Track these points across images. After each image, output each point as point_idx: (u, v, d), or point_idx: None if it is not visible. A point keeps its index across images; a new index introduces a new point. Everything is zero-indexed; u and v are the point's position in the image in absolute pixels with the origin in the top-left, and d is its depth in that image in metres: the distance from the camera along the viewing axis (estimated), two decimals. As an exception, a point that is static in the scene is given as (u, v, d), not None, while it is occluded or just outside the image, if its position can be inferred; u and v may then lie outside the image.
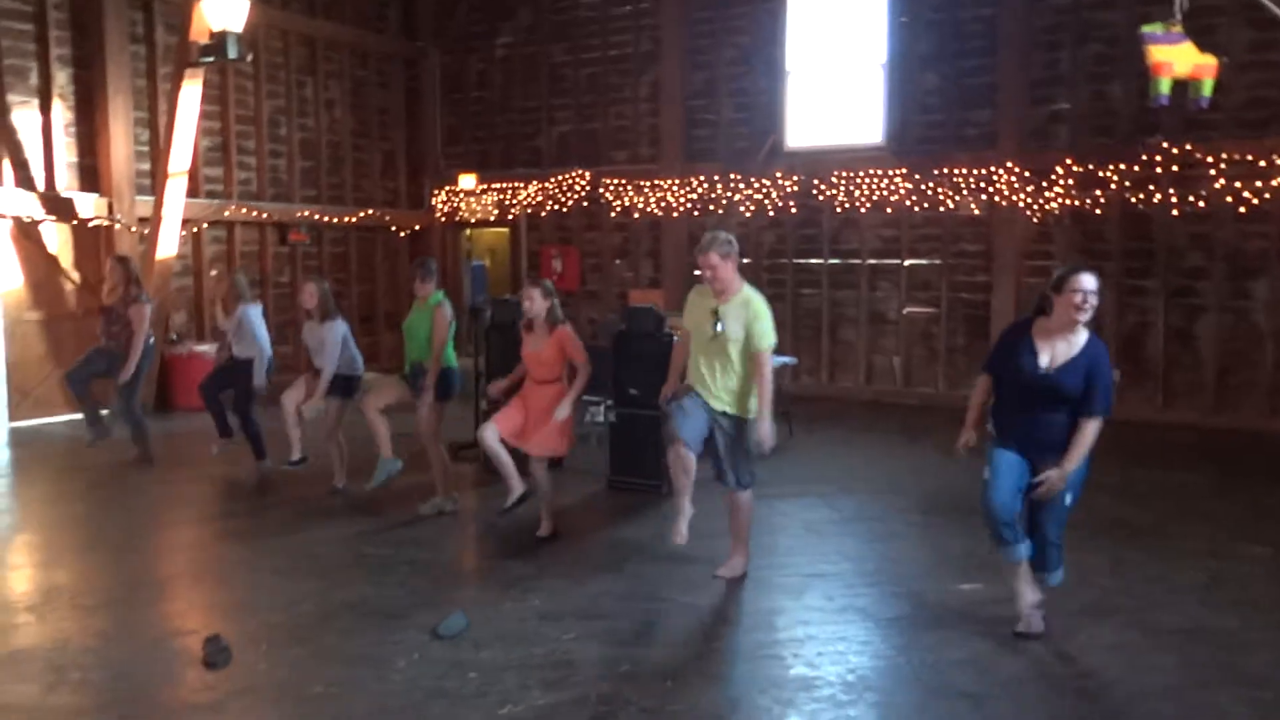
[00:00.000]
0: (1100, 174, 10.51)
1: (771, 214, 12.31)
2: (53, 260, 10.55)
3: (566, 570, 5.70)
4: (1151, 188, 10.28)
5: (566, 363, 6.22)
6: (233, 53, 9.85)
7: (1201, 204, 10.06)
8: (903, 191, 11.50)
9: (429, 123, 14.68)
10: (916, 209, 11.50)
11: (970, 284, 11.45)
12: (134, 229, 10.93)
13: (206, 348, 11.26)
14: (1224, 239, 10.08)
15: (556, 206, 13.68)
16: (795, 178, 12.08)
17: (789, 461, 8.27)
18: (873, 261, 11.95)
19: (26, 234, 10.28)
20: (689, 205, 12.77)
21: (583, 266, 13.74)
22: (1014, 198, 10.92)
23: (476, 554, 6.33)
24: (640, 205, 13.06)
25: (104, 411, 8.47)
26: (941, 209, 11.36)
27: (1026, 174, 10.85)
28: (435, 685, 4.18)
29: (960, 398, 11.36)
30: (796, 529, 6.58)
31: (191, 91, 10.49)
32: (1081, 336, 4.49)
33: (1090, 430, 4.47)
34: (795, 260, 12.34)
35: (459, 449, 8.39)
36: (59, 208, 10.39)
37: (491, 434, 6.09)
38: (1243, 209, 9.86)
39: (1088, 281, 4.39)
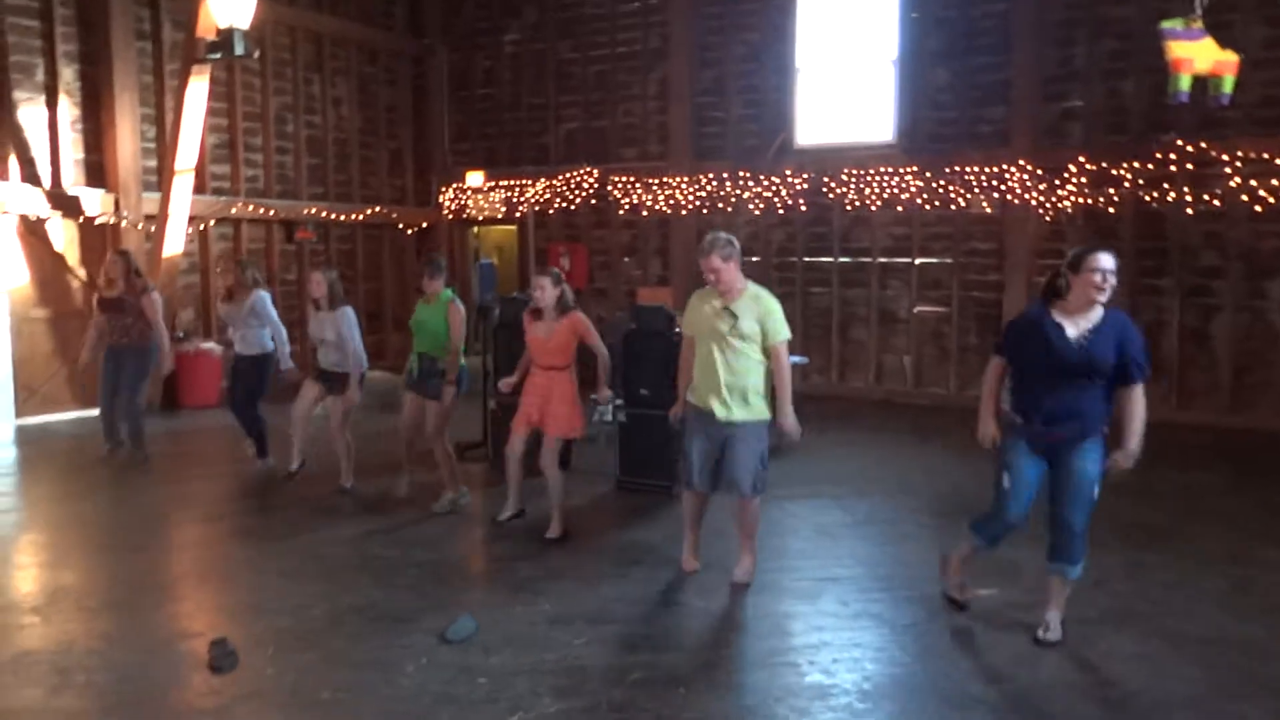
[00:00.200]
0: (1114, 172, 10.40)
1: (781, 212, 12.22)
2: (59, 257, 10.50)
3: (577, 573, 5.63)
4: (1166, 186, 10.18)
5: (575, 349, 6.17)
6: (239, 49, 9.81)
7: (1216, 203, 9.96)
8: (914, 189, 11.41)
9: (436, 120, 14.62)
10: (928, 207, 11.40)
11: (982, 283, 11.35)
12: (140, 226, 10.88)
13: (214, 345, 11.22)
14: (1239, 238, 9.98)
15: (564, 204, 13.60)
16: (805, 175, 11.99)
17: (800, 462, 8.19)
18: (883, 260, 11.85)
19: (32, 231, 10.23)
20: (698, 203, 12.69)
21: (591, 264, 13.66)
22: (1026, 196, 10.83)
23: (485, 556, 6.25)
24: (649, 203, 12.98)
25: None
26: (953, 207, 11.27)
27: (1039, 172, 10.75)
28: (444, 691, 4.11)
29: (972, 398, 11.28)
30: (808, 531, 6.50)
31: (198, 88, 10.43)
32: (1098, 310, 4.39)
33: (1140, 398, 4.41)
34: (805, 259, 12.25)
35: (466, 448, 8.33)
36: (65, 204, 10.34)
37: (517, 447, 6.12)
38: (1258, 208, 9.76)
39: (1106, 260, 4.30)
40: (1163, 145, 10.09)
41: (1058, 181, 10.69)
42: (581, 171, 13.40)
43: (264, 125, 12.53)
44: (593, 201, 13.45)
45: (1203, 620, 4.94)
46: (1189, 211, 10.10)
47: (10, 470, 8.45)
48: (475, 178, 14.02)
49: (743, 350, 5.17)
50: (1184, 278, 10.27)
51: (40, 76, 10.28)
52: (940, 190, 11.27)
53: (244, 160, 12.31)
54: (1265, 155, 9.67)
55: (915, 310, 11.71)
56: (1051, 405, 4.42)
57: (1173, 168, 10.09)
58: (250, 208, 12.23)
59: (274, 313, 8.01)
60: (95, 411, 8.79)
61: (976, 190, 11.09)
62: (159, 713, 3.96)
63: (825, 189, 11.90)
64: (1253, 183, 9.74)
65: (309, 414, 7.47)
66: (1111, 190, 10.44)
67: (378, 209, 13.89)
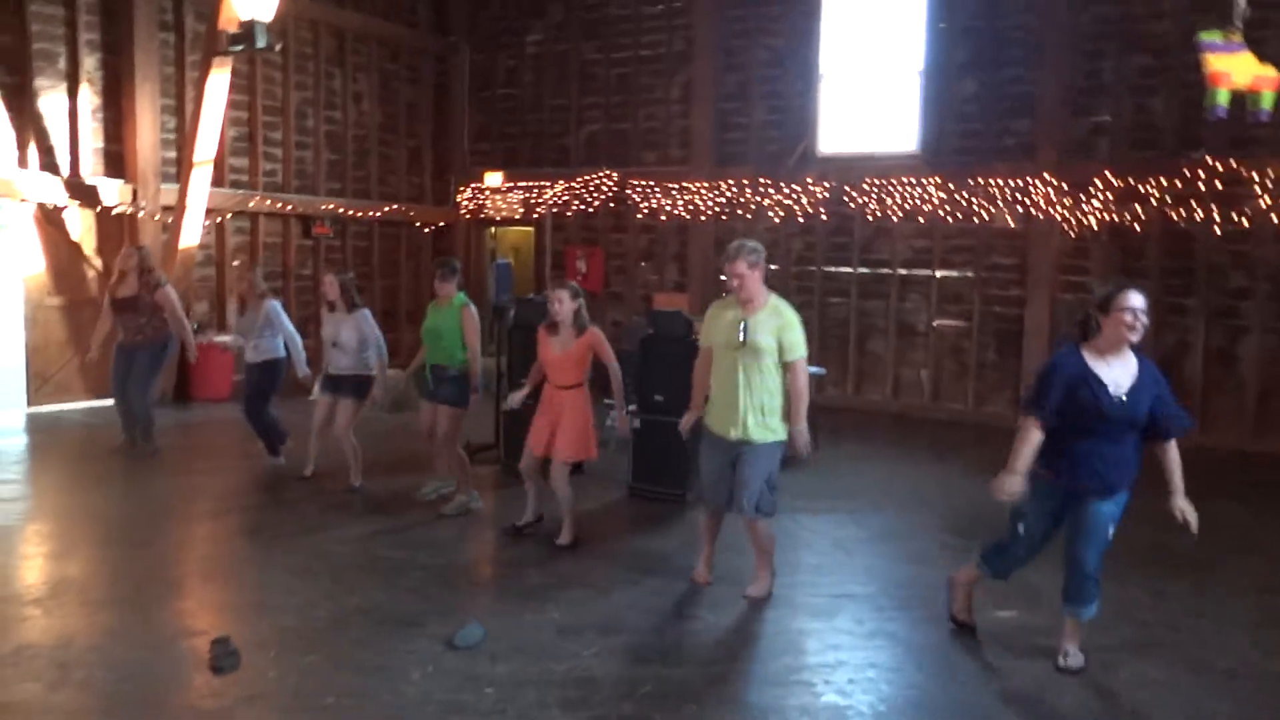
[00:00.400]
0: (1141, 189, 10.24)
1: (801, 220, 12.10)
2: (75, 246, 10.47)
3: (587, 580, 5.53)
4: (1194, 204, 10.01)
5: (590, 365, 6.06)
6: (261, 42, 9.79)
7: (1245, 222, 9.79)
8: (936, 201, 11.27)
9: (457, 118, 14.56)
10: (950, 219, 11.26)
11: (1003, 298, 11.20)
12: (157, 217, 10.84)
13: (228, 339, 11.15)
14: (1268, 258, 9.80)
15: (583, 206, 13.51)
16: (826, 184, 11.87)
17: (815, 475, 8.06)
18: (903, 272, 11.72)
19: (50, 219, 10.21)
20: (717, 209, 12.58)
21: (607, 268, 13.57)
22: (1051, 210, 10.68)
23: (494, 560, 6.16)
24: (668, 208, 12.88)
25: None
26: (976, 220, 11.12)
27: (1064, 186, 10.60)
28: (450, 699, 4.01)
29: (990, 414, 11.26)
30: (824, 546, 6.38)
31: (219, 80, 10.41)
32: (1132, 359, 4.30)
33: (1176, 451, 4.35)
34: (824, 268, 12.13)
35: (477, 450, 8.25)
36: (83, 194, 10.31)
37: (531, 461, 6.03)
38: (1289, 229, 9.60)
39: (1137, 300, 4.20)
40: (1192, 163, 9.93)
41: (1083, 197, 10.54)
42: (601, 174, 13.31)
43: (284, 119, 12.49)
44: (611, 205, 13.35)
45: (1229, 651, 4.80)
46: (1217, 231, 9.93)
47: (20, 459, 8.40)
48: (494, 178, 13.95)
49: (759, 365, 5.04)
50: (1211, 298, 10.10)
51: (62, 64, 10.25)
52: (963, 203, 11.13)
53: (263, 154, 12.27)
54: (1297, 175, 9.51)
55: (935, 324, 11.57)
56: (1085, 459, 4.29)
57: (1201, 186, 9.92)
58: (268, 202, 12.19)
59: (288, 321, 7.94)
60: (107, 402, 8.75)
61: (1000, 204, 10.95)
62: (158, 713, 3.88)
63: (847, 198, 11.78)
64: (1283, 203, 9.58)
65: (326, 426, 7.39)
66: (1138, 207, 10.28)
67: (395, 207, 13.84)
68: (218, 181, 11.33)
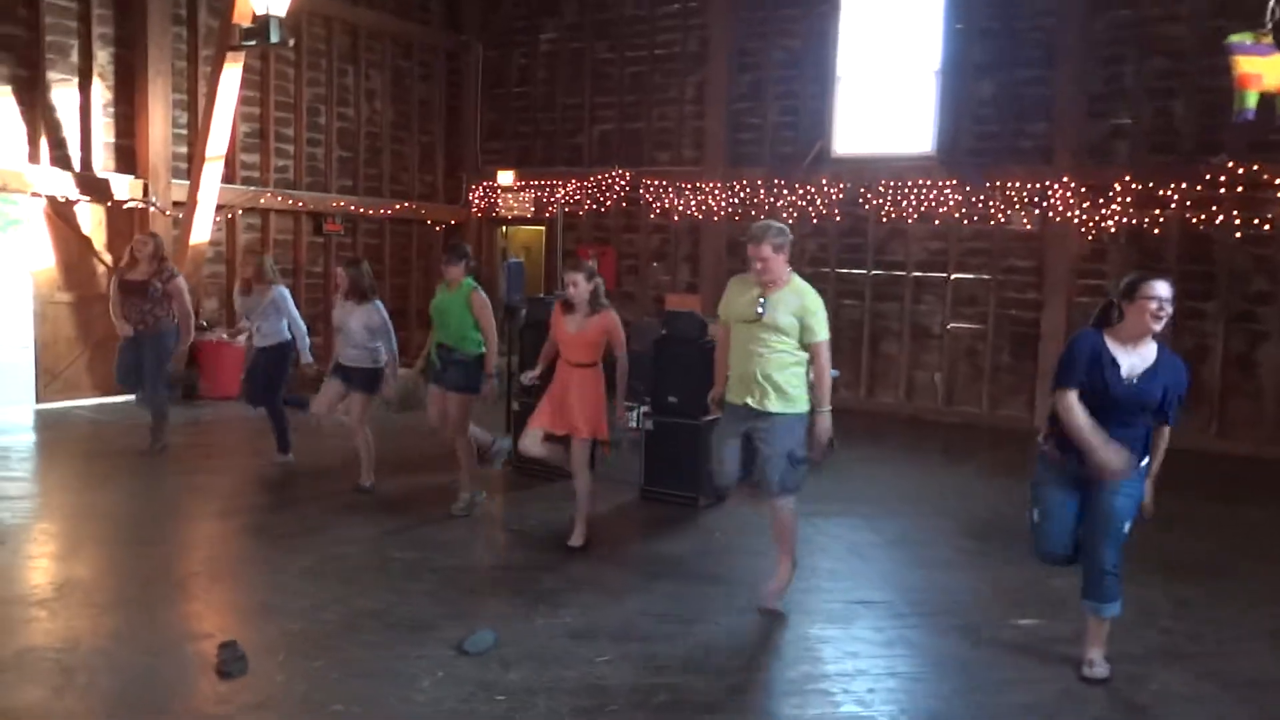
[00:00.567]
0: (1160, 193, 10.12)
1: (815, 221, 11.99)
2: (86, 241, 10.42)
3: (599, 584, 5.44)
4: (1214, 208, 9.88)
5: (604, 348, 5.96)
6: (274, 37, 9.74)
7: (1266, 226, 9.66)
8: (952, 203, 11.16)
9: (469, 116, 14.49)
10: (966, 222, 11.15)
11: (1020, 301, 11.08)
12: (168, 213, 10.79)
13: (240, 338, 11.11)
14: (1289, 263, 9.69)
15: (595, 206, 13.43)
16: (841, 185, 11.76)
17: (829, 478, 7.93)
18: (918, 274, 11.61)
19: (60, 214, 10.16)
20: (730, 209, 12.48)
21: (619, 268, 13.48)
22: (1068, 214, 10.56)
23: (505, 563, 6.07)
24: (680, 208, 12.79)
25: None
26: (992, 223, 11.01)
27: (1083, 190, 10.48)
28: (461, 707, 3.93)
29: (1005, 418, 11.14)
30: (840, 551, 6.28)
31: (232, 75, 10.36)
32: (1152, 347, 4.22)
33: (1166, 436, 4.28)
34: (838, 270, 12.02)
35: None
36: (94, 188, 10.26)
37: (533, 441, 5.89)
38: (1311, 233, 9.48)
39: (1162, 288, 4.11)
40: (1212, 166, 9.80)
41: (1101, 200, 10.42)
42: (614, 174, 13.22)
43: (296, 116, 12.44)
44: (624, 205, 13.27)
45: (1256, 662, 4.69)
46: (1238, 235, 9.80)
47: (28, 456, 8.35)
48: (506, 176, 13.88)
49: (777, 343, 4.94)
50: (1231, 302, 9.97)
51: (74, 58, 10.21)
52: (979, 205, 11.02)
53: (275, 150, 12.22)
54: (1319, 180, 9.38)
55: (949, 327, 11.46)
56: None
57: (1222, 190, 9.79)
58: (279, 198, 12.14)
59: (294, 308, 7.88)
60: (116, 399, 8.70)
61: (1017, 206, 10.84)
62: None
63: (861, 199, 11.67)
64: (1306, 207, 9.45)
65: (331, 410, 7.30)
66: (1157, 211, 10.15)
67: (407, 204, 13.78)
68: (229, 178, 11.27)
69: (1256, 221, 9.69)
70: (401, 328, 13.08)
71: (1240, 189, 9.72)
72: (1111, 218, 10.38)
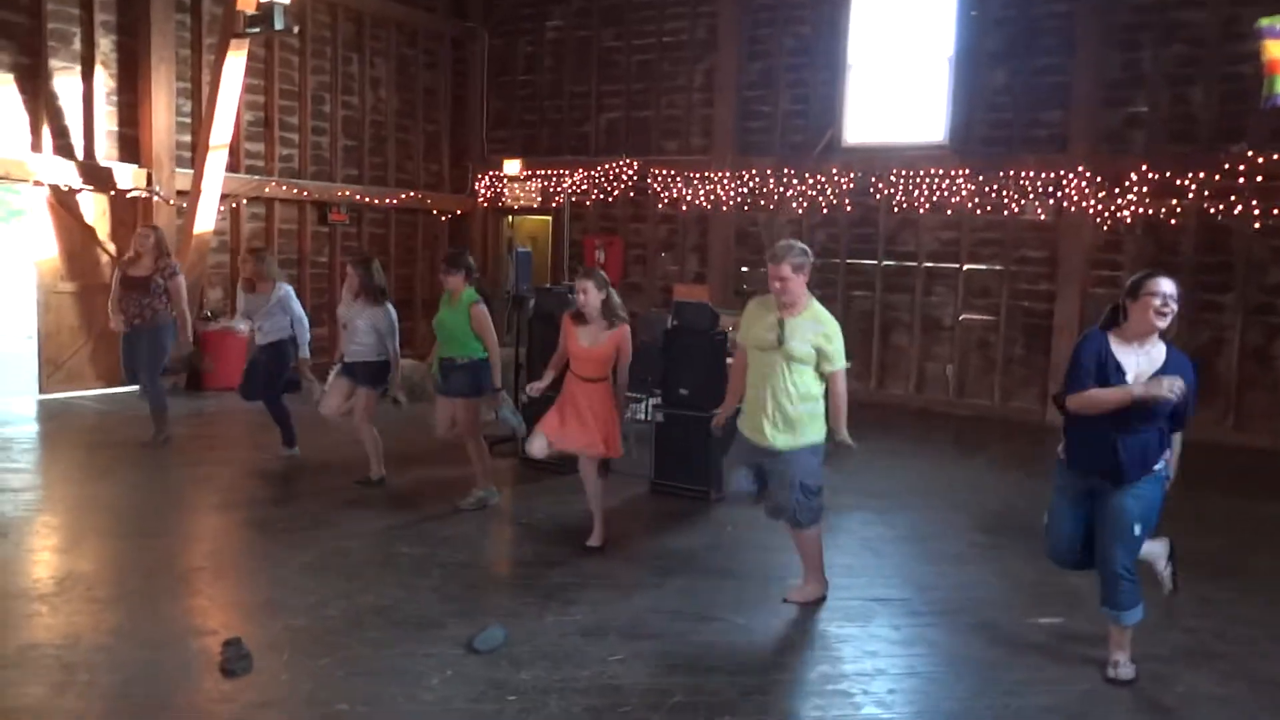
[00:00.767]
0: (1177, 182, 9.96)
1: (825, 211, 11.85)
2: (89, 231, 10.31)
3: (610, 580, 5.34)
4: (1232, 198, 9.73)
5: (615, 360, 5.83)
6: (279, 24, 9.63)
7: (1286, 217, 9.52)
8: (965, 193, 11.01)
9: (475, 105, 14.36)
10: (978, 211, 11.01)
11: (1032, 292, 10.94)
12: (172, 202, 10.68)
13: (242, 326, 11.00)
14: (1308, 254, 9.54)
15: (602, 195, 13.30)
16: (852, 174, 11.62)
17: (841, 472, 7.82)
18: (929, 264, 11.47)
19: (63, 203, 10.05)
20: (739, 199, 12.35)
21: (626, 258, 13.35)
22: (1083, 204, 10.41)
23: (514, 558, 5.98)
24: (689, 197, 12.66)
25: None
26: (1005, 213, 10.87)
27: (1098, 179, 10.33)
28: (470, 708, 3.82)
29: (1016, 410, 11.01)
30: (854, 546, 6.16)
31: (236, 63, 10.23)
32: (1160, 348, 4.10)
33: (1179, 442, 4.20)
34: (848, 260, 11.88)
35: (494, 443, 8.05)
36: (97, 177, 10.15)
37: (540, 447, 5.77)
38: (1331, 224, 9.32)
39: (1166, 285, 4.03)
40: (1231, 156, 9.65)
41: (1117, 190, 10.27)
42: (621, 163, 13.09)
43: (301, 104, 12.31)
44: (631, 194, 13.13)
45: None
46: (1256, 226, 9.65)
47: (31, 447, 8.26)
48: (512, 165, 13.76)
49: (793, 373, 4.80)
50: (1248, 294, 9.82)
51: (77, 46, 10.08)
52: (992, 194, 10.88)
53: (279, 139, 12.10)
54: (1340, 169, 9.22)
55: (961, 318, 11.32)
56: (1099, 444, 4.08)
57: (1241, 180, 9.64)
58: (284, 188, 12.02)
59: (299, 306, 7.77)
60: (120, 389, 8.62)
61: (1031, 196, 10.69)
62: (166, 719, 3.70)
63: (872, 189, 11.53)
64: (1325, 197, 9.30)
65: (341, 411, 7.19)
66: (1174, 201, 10.00)
67: (412, 194, 13.66)
68: (233, 167, 11.16)
69: (1276, 212, 9.54)
70: (407, 318, 12.94)
71: (1260, 179, 9.57)
72: (1127, 208, 10.23)
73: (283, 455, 7.79)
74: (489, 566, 5.83)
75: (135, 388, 8.28)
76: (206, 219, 10.63)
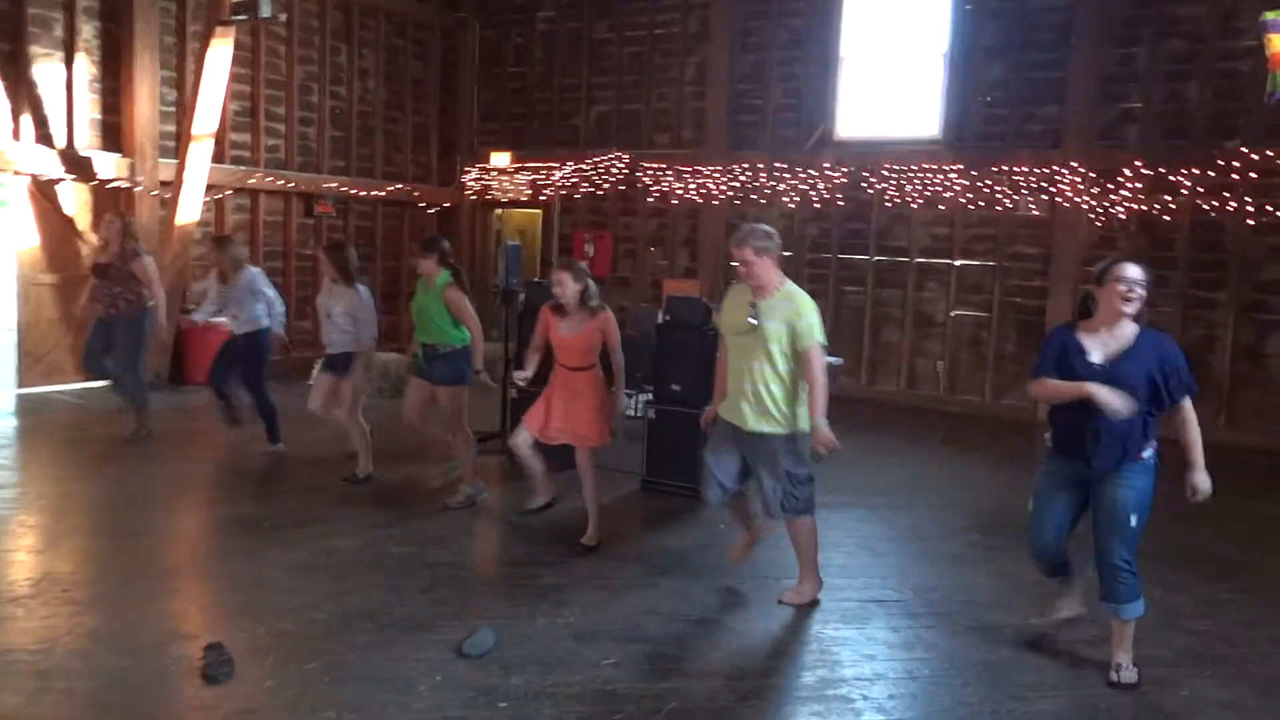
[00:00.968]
0: (1171, 178, 9.90)
1: (817, 206, 11.75)
2: (69, 221, 10.12)
3: (601, 581, 5.23)
4: (1226, 195, 9.67)
5: (600, 349, 5.72)
6: (266, 12, 9.47)
7: (1280, 214, 9.47)
8: (958, 188, 10.93)
9: (464, 97, 14.19)
10: (971, 207, 10.92)
11: (1025, 288, 10.87)
12: (155, 192, 10.50)
13: (223, 319, 10.83)
14: (1303, 252, 9.49)
15: (592, 189, 13.16)
16: (844, 169, 11.52)
17: (833, 469, 7.69)
18: (921, 260, 11.38)
19: (44, 193, 9.86)
20: (730, 193, 12.24)
21: (616, 252, 13.23)
22: (1077, 199, 10.34)
23: (504, 558, 5.86)
24: (679, 191, 12.53)
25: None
26: (998, 208, 10.78)
27: (1092, 175, 10.26)
28: (461, 715, 3.71)
29: (1007, 407, 10.94)
30: (849, 546, 6.07)
31: (221, 52, 10.05)
32: (1130, 329, 4.09)
33: (1191, 418, 4.12)
34: (839, 255, 11.79)
35: (481, 439, 7.93)
36: (78, 166, 9.96)
37: (524, 440, 5.65)
38: (1326, 221, 9.27)
39: (1132, 271, 4.06)
40: (1226, 152, 9.60)
41: (1111, 186, 10.20)
42: (611, 156, 12.95)
43: (288, 94, 12.12)
44: (621, 188, 13.00)
45: (1288, 666, 4.51)
46: (1250, 223, 9.60)
47: (9, 442, 8.09)
48: (501, 158, 13.60)
49: (770, 355, 4.70)
50: (1241, 291, 9.77)
51: (59, 32, 9.88)
52: (986, 190, 10.79)
53: (265, 130, 11.91)
54: (1335, 166, 9.17)
55: (953, 314, 11.25)
56: (1082, 434, 4.08)
57: (1235, 176, 9.58)
58: (269, 179, 11.84)
59: (269, 287, 7.63)
60: (99, 384, 8.46)
61: (1024, 192, 10.61)
62: (145, 726, 3.58)
63: (864, 184, 11.44)
64: (1320, 195, 9.25)
65: (326, 407, 7.04)
66: (1168, 197, 9.94)
67: (400, 186, 13.49)
68: (218, 157, 10.98)
69: (1270, 209, 9.48)
70: (394, 311, 12.86)
71: (1254, 175, 9.51)
72: (1121, 204, 10.16)
73: (267, 451, 7.65)
74: (478, 567, 5.71)
75: (102, 382, 8.10)
76: (190, 210, 10.45)
